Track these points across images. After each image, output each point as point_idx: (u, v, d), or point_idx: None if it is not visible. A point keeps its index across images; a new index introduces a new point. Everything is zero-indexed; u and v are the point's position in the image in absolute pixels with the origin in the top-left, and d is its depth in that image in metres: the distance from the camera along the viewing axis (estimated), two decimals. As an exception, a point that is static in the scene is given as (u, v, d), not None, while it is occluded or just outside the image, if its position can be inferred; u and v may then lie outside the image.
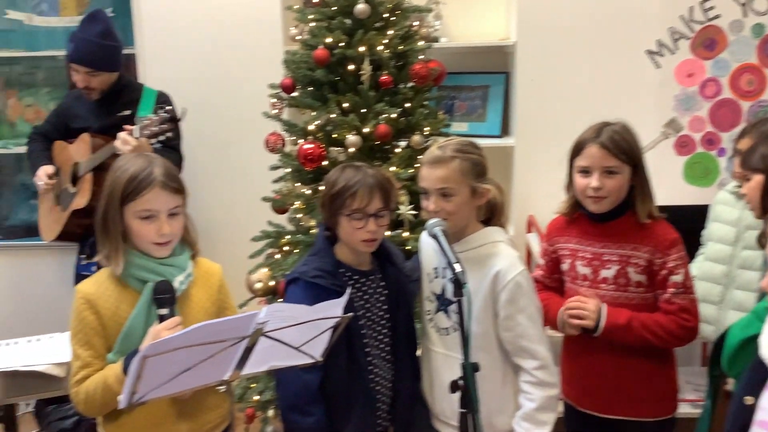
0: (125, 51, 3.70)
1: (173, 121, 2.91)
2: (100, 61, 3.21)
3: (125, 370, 1.73)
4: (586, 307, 2.18)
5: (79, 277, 3.41)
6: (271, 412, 2.86)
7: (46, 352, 2.64)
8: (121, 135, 2.93)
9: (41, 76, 4.15)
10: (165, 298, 1.82)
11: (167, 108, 2.95)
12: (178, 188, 1.89)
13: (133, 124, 3.16)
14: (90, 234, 3.35)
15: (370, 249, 2.05)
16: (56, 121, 3.48)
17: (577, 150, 2.19)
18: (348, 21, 2.80)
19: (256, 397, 2.87)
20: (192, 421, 1.93)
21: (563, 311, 2.23)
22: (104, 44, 3.22)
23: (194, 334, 1.51)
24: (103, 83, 3.26)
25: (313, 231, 2.79)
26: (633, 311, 2.16)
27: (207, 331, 1.53)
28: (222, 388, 1.76)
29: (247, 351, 1.65)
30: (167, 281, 1.85)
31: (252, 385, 2.90)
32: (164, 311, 1.81)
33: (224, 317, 1.71)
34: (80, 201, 3.26)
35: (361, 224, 1.98)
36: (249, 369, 1.71)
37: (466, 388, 1.75)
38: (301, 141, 2.80)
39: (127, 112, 3.29)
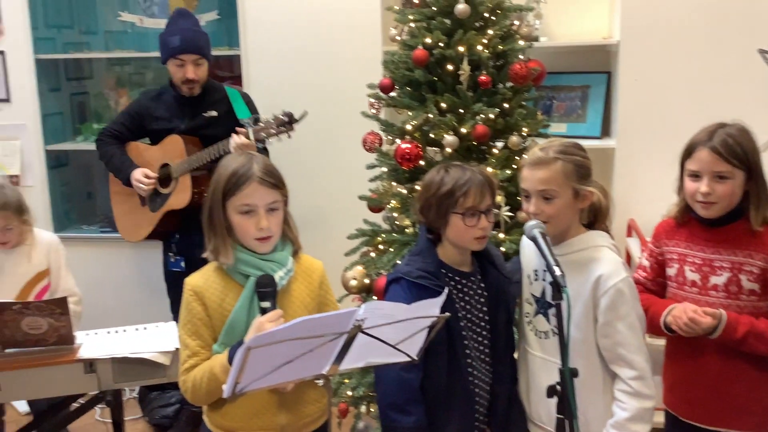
0: (230, 53, 3.84)
1: (291, 123, 2.99)
2: (204, 47, 3.31)
3: (230, 360, 1.79)
4: (700, 325, 2.08)
5: (169, 273, 3.55)
6: (363, 408, 2.89)
7: (153, 340, 2.74)
8: (235, 138, 3.04)
9: (150, 75, 4.36)
10: (267, 292, 1.88)
11: (286, 111, 3.01)
12: (276, 184, 1.94)
13: (218, 124, 3.26)
14: (176, 232, 3.47)
15: (481, 246, 2.05)
16: (130, 123, 3.50)
17: (688, 152, 2.11)
18: (448, 21, 2.80)
19: (350, 393, 2.90)
20: (292, 414, 1.98)
21: (679, 321, 2.12)
22: (203, 32, 3.34)
23: (296, 328, 1.55)
24: (204, 75, 3.34)
25: (408, 230, 2.81)
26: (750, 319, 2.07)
27: (308, 326, 1.56)
28: (320, 381, 1.79)
29: (346, 346, 1.68)
30: (269, 275, 1.91)
31: (346, 381, 2.94)
32: (266, 304, 1.87)
33: (325, 313, 1.74)
34: (178, 201, 3.35)
35: (473, 221, 1.98)
36: (347, 364, 1.74)
37: (563, 393, 1.72)
38: (398, 140, 2.82)
39: (214, 113, 3.36)
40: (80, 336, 2.74)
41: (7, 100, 3.94)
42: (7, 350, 2.60)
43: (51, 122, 4.05)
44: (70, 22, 4.18)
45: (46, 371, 2.58)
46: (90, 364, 2.61)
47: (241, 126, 3.10)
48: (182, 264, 3.44)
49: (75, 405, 2.96)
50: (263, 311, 1.86)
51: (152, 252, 3.74)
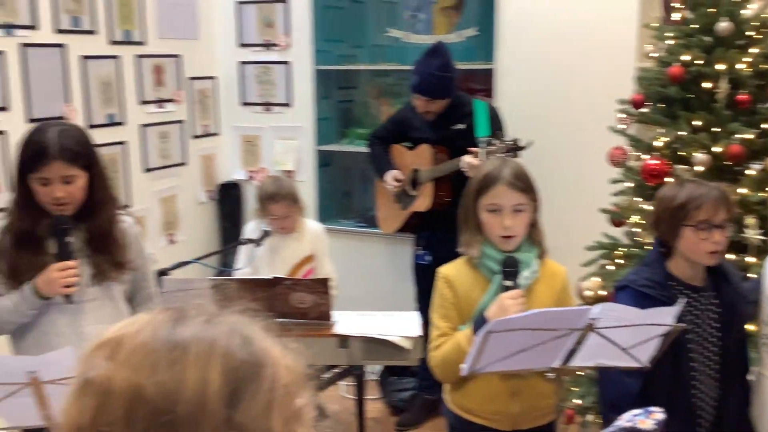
0: (484, 66, 4.04)
1: (517, 149, 3.15)
2: (438, 91, 3.53)
3: (474, 331, 1.97)
4: None
5: (416, 266, 3.85)
6: (590, 417, 2.94)
7: (398, 326, 3.02)
8: (466, 158, 3.26)
9: (407, 86, 4.69)
10: (510, 272, 2.05)
11: (516, 139, 3.19)
12: (524, 188, 2.09)
13: (465, 137, 3.46)
14: (425, 228, 3.77)
15: (713, 261, 2.05)
16: (393, 128, 3.89)
17: None
18: (708, 38, 2.77)
19: (577, 401, 2.97)
20: (524, 404, 2.12)
21: None
22: (443, 76, 3.52)
23: (533, 318, 1.69)
24: (439, 108, 3.58)
25: (648, 247, 2.81)
26: None
27: (545, 317, 1.70)
28: (551, 375, 1.91)
29: (577, 344, 1.79)
30: (513, 257, 2.07)
31: (573, 389, 3.00)
32: (509, 283, 2.03)
33: (561, 308, 1.86)
34: (421, 205, 3.67)
35: (705, 235, 2.00)
36: (576, 362, 1.84)
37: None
38: (645, 156, 2.83)
39: (462, 126, 3.57)
40: (335, 315, 3.09)
41: (289, 105, 4.49)
42: (277, 320, 3.01)
43: (321, 126, 4.54)
44: (343, 37, 4.65)
45: (306, 341, 2.92)
46: (343, 340, 2.94)
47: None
48: (428, 258, 3.73)
49: (325, 376, 3.33)
50: (505, 289, 2.02)
51: (402, 246, 4.08)
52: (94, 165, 2.22)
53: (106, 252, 2.24)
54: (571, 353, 1.81)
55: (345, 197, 4.88)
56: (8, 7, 3.30)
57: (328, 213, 4.58)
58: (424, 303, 3.59)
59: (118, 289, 2.33)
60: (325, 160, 4.63)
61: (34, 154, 2.13)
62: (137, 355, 0.71)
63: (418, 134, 3.73)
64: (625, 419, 1.46)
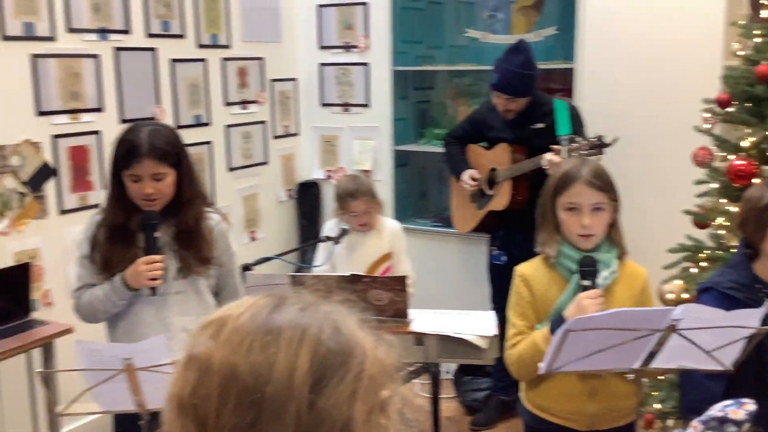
0: (564, 66, 4.01)
1: (602, 146, 3.10)
2: (519, 89, 3.50)
3: (551, 330, 1.98)
4: None
5: (492, 266, 3.85)
6: (670, 422, 2.88)
7: (473, 324, 3.03)
8: (548, 156, 3.22)
9: (485, 87, 4.69)
10: (588, 271, 2.03)
11: (600, 136, 3.12)
12: (603, 187, 2.08)
13: (544, 136, 3.43)
14: (500, 228, 3.75)
15: None
16: (470, 128, 3.88)
17: None
18: (798, 35, 2.68)
19: (657, 405, 2.91)
20: (601, 404, 2.10)
21: None
22: (525, 74, 3.48)
23: (613, 317, 1.68)
24: (519, 106, 3.55)
25: (733, 250, 2.74)
26: None
27: (625, 317, 1.69)
28: (631, 376, 1.89)
29: (659, 345, 1.77)
30: (591, 256, 2.05)
31: (654, 393, 2.95)
32: (587, 282, 2.02)
33: (642, 308, 1.84)
34: (498, 204, 3.65)
35: None
36: (657, 364, 1.82)
37: None
38: (731, 157, 2.76)
39: (541, 125, 3.53)
40: (411, 313, 3.12)
41: (367, 105, 4.56)
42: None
43: (399, 126, 4.59)
44: (421, 38, 4.69)
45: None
46: (419, 338, 2.97)
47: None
48: (503, 258, 3.72)
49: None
50: (583, 289, 2.01)
51: (477, 246, 4.09)
52: (183, 163, 2.33)
53: (193, 247, 2.34)
54: (652, 355, 1.79)
55: (421, 197, 4.91)
56: (103, 13, 3.47)
57: (404, 213, 4.62)
58: (499, 303, 3.58)
59: (204, 283, 2.43)
60: (402, 160, 4.67)
61: (126, 152, 2.25)
62: (236, 336, 0.76)
63: (495, 134, 3.71)
64: (717, 409, 1.45)
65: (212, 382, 0.74)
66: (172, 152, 2.28)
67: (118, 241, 2.32)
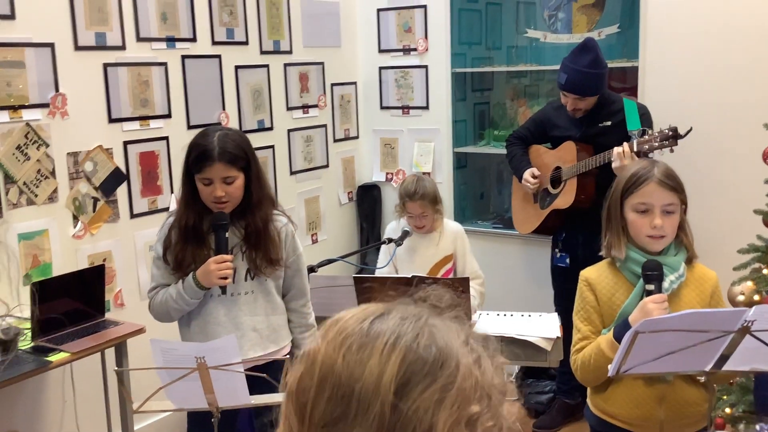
0: (628, 64, 3.95)
1: (675, 138, 3.03)
2: (588, 88, 3.44)
3: (615, 337, 1.96)
4: None
5: (555, 268, 3.81)
6: (741, 427, 2.82)
7: (537, 327, 3.02)
8: (618, 149, 3.15)
9: (545, 87, 4.67)
10: (653, 275, 1.99)
11: (671, 126, 3.05)
12: (674, 187, 2.04)
13: (611, 134, 3.37)
14: (563, 230, 3.71)
15: None
16: (534, 128, 3.84)
17: None
18: None
19: (728, 410, 2.85)
20: (671, 410, 2.05)
21: None
22: (593, 73, 3.41)
23: (685, 319, 1.66)
24: (589, 105, 3.50)
25: (808, 250, 2.67)
26: None
27: (697, 319, 1.66)
28: (702, 379, 1.86)
29: (731, 347, 1.73)
30: (656, 260, 2.01)
31: (724, 397, 2.89)
32: (651, 287, 1.98)
33: (713, 309, 1.81)
34: (563, 202, 3.59)
35: None
36: (730, 366, 1.79)
37: None
38: (804, 155, 2.69)
39: (608, 123, 3.48)
40: (474, 315, 3.13)
41: (426, 108, 4.58)
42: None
43: (458, 128, 4.59)
44: (479, 39, 4.68)
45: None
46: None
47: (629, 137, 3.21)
48: (567, 260, 3.68)
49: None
50: (648, 293, 1.98)
51: (540, 247, 4.05)
52: (252, 167, 2.39)
53: (261, 249, 2.40)
54: (724, 357, 1.76)
55: (481, 199, 4.90)
56: (171, 22, 3.58)
57: (464, 214, 4.62)
58: (562, 305, 3.56)
59: (273, 284, 2.49)
60: (461, 162, 4.67)
61: (198, 157, 2.33)
62: (339, 336, 0.83)
63: (561, 132, 3.67)
64: None
65: (313, 375, 0.81)
66: (241, 156, 2.35)
67: (189, 241, 2.39)
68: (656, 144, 3.07)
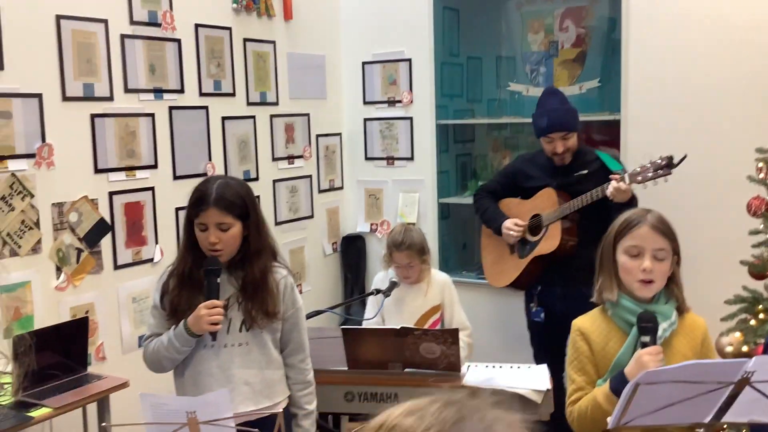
0: (611, 117, 4.01)
1: (669, 167, 3.07)
2: (570, 123, 3.51)
3: (612, 389, 1.95)
4: None
5: (531, 323, 3.78)
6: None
7: (526, 379, 2.99)
8: (613, 183, 3.19)
9: (524, 139, 4.73)
10: (648, 327, 2.00)
11: (663, 155, 3.09)
12: (666, 233, 2.07)
13: (589, 180, 3.41)
14: (538, 283, 3.69)
15: None
16: (505, 181, 3.85)
17: None
18: None
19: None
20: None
21: None
22: (569, 108, 3.55)
23: (684, 371, 1.65)
24: (574, 144, 3.54)
25: (793, 301, 2.70)
26: None
27: (696, 370, 1.66)
28: (700, 430, 1.85)
29: (730, 398, 1.73)
30: (650, 312, 2.02)
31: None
32: (646, 338, 1.98)
33: (713, 360, 1.81)
34: (548, 246, 3.57)
35: None
36: (729, 418, 1.78)
37: None
38: (787, 206, 2.74)
39: (584, 172, 3.52)
40: (463, 367, 3.10)
41: (411, 159, 4.61)
42: (407, 369, 3.06)
43: (441, 179, 4.62)
44: (461, 92, 4.76)
45: (436, 392, 2.95)
46: (473, 392, 2.93)
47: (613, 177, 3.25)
48: (542, 315, 3.65)
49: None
50: (643, 345, 1.98)
51: (519, 300, 4.00)
52: (251, 216, 2.38)
53: (258, 300, 2.37)
54: (724, 408, 1.76)
55: (464, 249, 4.91)
56: (159, 73, 3.59)
57: (448, 265, 4.62)
58: (543, 360, 3.49)
59: (269, 337, 2.45)
60: (445, 213, 4.69)
61: (195, 201, 2.34)
62: None
63: (536, 183, 3.68)
64: None
65: None
66: (238, 204, 2.34)
67: (185, 287, 2.37)
68: (650, 174, 3.09)
